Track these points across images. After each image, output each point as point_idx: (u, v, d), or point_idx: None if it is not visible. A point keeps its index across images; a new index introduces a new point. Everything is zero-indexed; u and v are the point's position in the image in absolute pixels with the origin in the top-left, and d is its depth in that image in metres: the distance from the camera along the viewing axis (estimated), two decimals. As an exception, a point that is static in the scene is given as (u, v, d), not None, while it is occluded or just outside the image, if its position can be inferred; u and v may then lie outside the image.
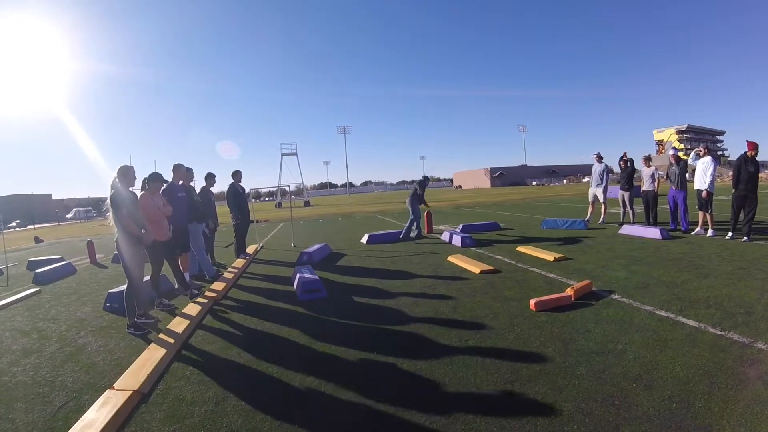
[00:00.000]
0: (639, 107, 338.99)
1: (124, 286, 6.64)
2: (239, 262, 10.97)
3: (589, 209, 15.63)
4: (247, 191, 12.39)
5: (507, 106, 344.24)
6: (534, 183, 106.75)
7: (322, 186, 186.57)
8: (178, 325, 6.24)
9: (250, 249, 13.10)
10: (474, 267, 8.75)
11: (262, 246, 14.91)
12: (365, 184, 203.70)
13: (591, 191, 15.38)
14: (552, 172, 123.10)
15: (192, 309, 7.03)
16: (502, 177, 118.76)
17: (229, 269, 10.33)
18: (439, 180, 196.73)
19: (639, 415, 3.37)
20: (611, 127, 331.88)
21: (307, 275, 8.09)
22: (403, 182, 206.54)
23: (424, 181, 14.63)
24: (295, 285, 8.16)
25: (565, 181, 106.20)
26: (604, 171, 14.83)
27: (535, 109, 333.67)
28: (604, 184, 14.80)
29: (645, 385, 3.79)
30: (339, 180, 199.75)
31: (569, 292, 6.37)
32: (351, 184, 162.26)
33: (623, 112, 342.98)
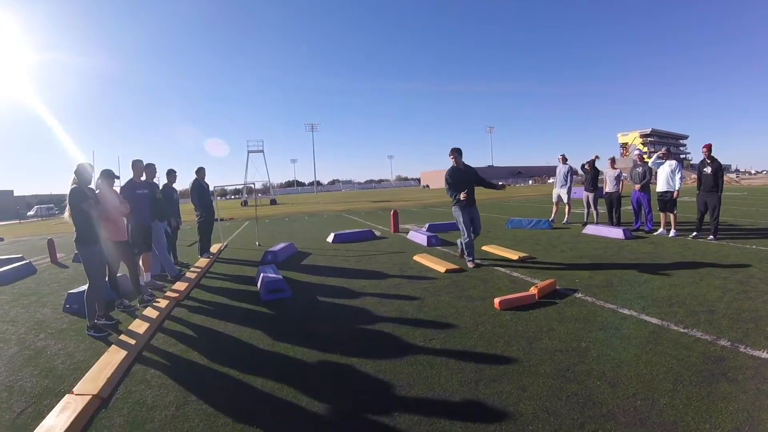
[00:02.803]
0: (604, 110, 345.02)
1: (85, 287, 6.51)
2: (202, 262, 10.84)
3: (554, 209, 15.88)
4: (211, 188, 12.25)
5: (475, 107, 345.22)
6: (500, 183, 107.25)
7: (289, 184, 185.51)
8: (139, 326, 6.12)
9: (214, 248, 12.92)
10: (439, 266, 8.79)
11: (227, 245, 14.68)
12: (333, 182, 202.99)
13: (555, 192, 15.64)
14: (518, 173, 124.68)
15: (152, 310, 6.89)
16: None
17: (191, 269, 10.17)
18: (406, 179, 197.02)
19: (604, 413, 3.41)
20: (576, 130, 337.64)
21: (270, 275, 8.03)
22: (371, 181, 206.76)
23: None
24: (258, 285, 8.06)
25: (530, 182, 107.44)
26: (568, 172, 15.09)
27: (501, 110, 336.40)
28: (568, 185, 15.05)
29: (609, 383, 3.84)
30: (306, 178, 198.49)
31: (533, 290, 6.45)
32: (318, 183, 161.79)
33: (588, 116, 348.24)
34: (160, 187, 10.06)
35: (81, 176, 6.34)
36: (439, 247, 11.46)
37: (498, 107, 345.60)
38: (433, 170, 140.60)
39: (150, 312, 6.81)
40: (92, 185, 6.69)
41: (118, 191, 7.94)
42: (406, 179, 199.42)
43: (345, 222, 21.77)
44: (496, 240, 12.07)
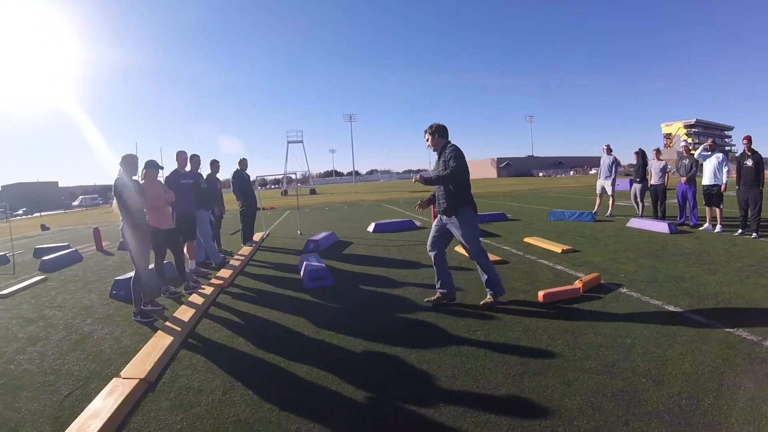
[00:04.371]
0: (647, 100, 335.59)
1: (131, 274, 6.63)
2: (245, 250, 11.00)
3: (597, 201, 15.33)
4: (252, 179, 12.37)
5: (514, 96, 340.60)
6: (541, 174, 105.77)
7: (328, 174, 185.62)
8: (185, 313, 6.22)
9: (257, 236, 13.07)
10: (480, 257, 8.63)
11: (269, 233, 14.91)
12: (371, 172, 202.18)
13: (599, 183, 15.17)
14: (559, 164, 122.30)
15: (198, 297, 7.01)
16: (509, 167, 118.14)
17: (235, 256, 10.34)
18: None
19: (648, 410, 3.31)
20: (619, 120, 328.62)
21: (313, 263, 8.06)
22: (409, 171, 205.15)
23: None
24: (301, 273, 8.11)
25: (572, 172, 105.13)
26: (613, 163, 14.62)
27: (543, 100, 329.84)
28: (612, 176, 14.59)
29: (654, 381, 3.73)
30: (344, 168, 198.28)
31: (578, 284, 6.30)
32: (357, 173, 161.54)
33: (631, 105, 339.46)
34: (204, 177, 10.20)
35: (127, 167, 6.45)
36: (480, 239, 11.11)
37: (538, 96, 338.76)
38: (472, 160, 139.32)
39: (195, 298, 6.93)
40: (137, 176, 6.80)
41: (163, 181, 8.08)
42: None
43: (384, 212, 21.86)
44: (538, 232, 11.88)
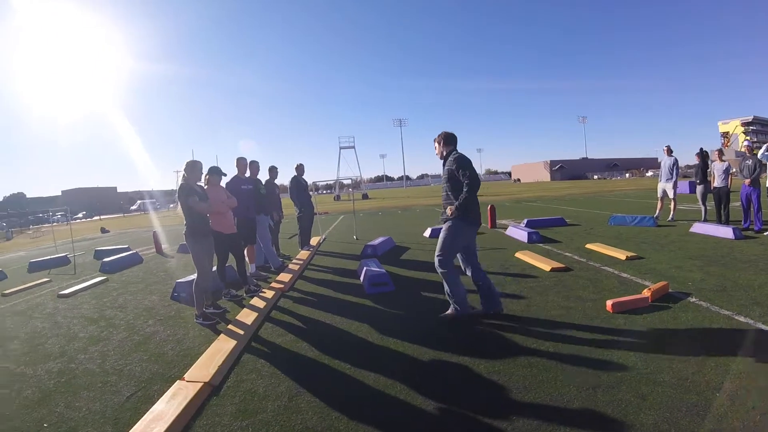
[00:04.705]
0: (703, 96, 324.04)
1: (192, 276, 6.72)
2: (304, 254, 11.02)
3: (658, 205, 14.72)
4: (309, 184, 12.43)
5: (566, 96, 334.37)
6: (595, 177, 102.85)
7: (379, 179, 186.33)
8: (247, 316, 6.24)
9: (314, 240, 13.13)
10: (544, 264, 8.45)
11: (325, 238, 14.96)
12: (421, 176, 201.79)
13: (660, 186, 14.48)
14: (613, 166, 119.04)
15: (259, 300, 7.04)
16: (562, 170, 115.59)
17: (294, 260, 10.39)
18: (496, 173, 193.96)
19: (725, 427, 3.11)
20: (674, 118, 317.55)
21: (374, 268, 8.00)
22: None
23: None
24: (361, 278, 8.08)
25: (627, 174, 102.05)
26: (673, 165, 13.97)
27: (595, 99, 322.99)
28: (674, 179, 13.94)
29: (728, 395, 3.50)
30: (395, 173, 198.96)
31: (646, 293, 6.02)
32: (407, 177, 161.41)
33: (686, 102, 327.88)
34: (263, 183, 10.27)
35: (191, 173, 6.54)
36: (540, 244, 11.03)
37: (590, 96, 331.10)
38: (524, 163, 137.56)
39: (257, 302, 6.95)
40: (201, 182, 6.92)
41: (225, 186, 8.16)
42: (495, 173, 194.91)
43: (438, 216, 21.31)
44: (600, 238, 11.50)
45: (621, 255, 8.99)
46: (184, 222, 6.47)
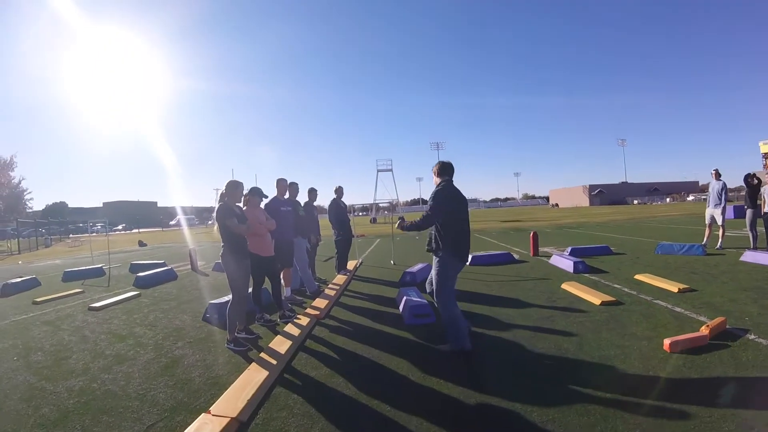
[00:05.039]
0: (743, 117, 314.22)
1: (226, 298, 6.49)
2: (340, 279, 10.73)
3: (706, 232, 14.05)
4: (347, 206, 12.15)
5: (604, 118, 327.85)
6: (635, 201, 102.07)
7: (415, 202, 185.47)
8: (280, 344, 5.92)
9: (350, 265, 12.81)
10: (593, 297, 7.96)
11: (362, 262, 14.58)
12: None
13: (708, 212, 13.87)
14: (654, 190, 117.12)
15: (294, 328, 6.73)
16: (602, 195, 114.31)
17: (330, 285, 10.08)
18: (533, 197, 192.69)
19: None
20: (712, 139, 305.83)
21: (414, 298, 7.61)
22: (497, 199, 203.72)
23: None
24: (401, 307, 7.69)
25: (668, 199, 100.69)
26: (722, 189, 13.32)
27: (635, 121, 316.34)
28: (723, 204, 13.30)
29: None
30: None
31: (704, 331, 5.57)
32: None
33: (726, 122, 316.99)
34: (302, 205, 10.08)
35: (232, 193, 6.36)
36: (586, 275, 10.49)
37: (630, 118, 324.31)
38: (563, 187, 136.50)
39: (291, 329, 6.64)
40: (240, 202, 6.74)
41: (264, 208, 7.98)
42: (533, 197, 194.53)
43: (477, 242, 20.97)
44: (648, 268, 10.90)
45: (673, 287, 8.49)
46: (222, 243, 6.25)
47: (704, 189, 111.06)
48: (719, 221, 13.40)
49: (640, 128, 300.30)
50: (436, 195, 5.71)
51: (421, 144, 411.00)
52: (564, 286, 9.12)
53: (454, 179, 5.97)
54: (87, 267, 16.09)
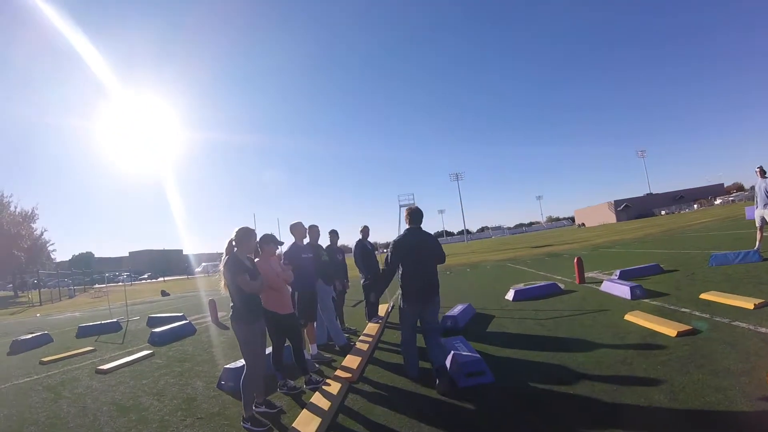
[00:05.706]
0: (763, 110, 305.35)
1: (242, 361, 5.44)
2: (372, 328, 9.57)
3: (758, 236, 12.99)
4: (374, 245, 11.18)
5: (621, 127, 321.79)
6: (663, 212, 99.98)
7: (438, 235, 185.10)
8: (308, 423, 4.81)
9: (381, 309, 11.58)
10: (665, 328, 6.88)
11: (393, 305, 12.81)
12: (482, 230, 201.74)
13: (758, 213, 12.92)
14: (680, 198, 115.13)
15: (322, 399, 5.59)
16: (628, 209, 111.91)
17: (361, 337, 8.89)
18: (558, 219, 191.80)
19: None
20: (734, 138, 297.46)
21: (464, 353, 6.40)
22: (521, 225, 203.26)
23: None
24: (449, 364, 6.41)
25: (695, 206, 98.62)
26: None
27: (654, 130, 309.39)
28: None
29: None
30: (453, 228, 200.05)
31: None
32: (467, 231, 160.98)
33: (742, 120, 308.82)
34: (324, 248, 9.20)
35: (244, 243, 5.44)
36: (646, 300, 9.31)
37: (648, 126, 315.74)
38: (588, 206, 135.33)
39: (319, 400, 5.54)
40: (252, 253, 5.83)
41: (282, 256, 7.26)
42: (557, 219, 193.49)
43: (514, 273, 19.40)
44: (709, 284, 9.80)
45: (747, 304, 7.58)
46: (230, 302, 5.30)
47: (729, 191, 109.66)
48: None
49: (658, 137, 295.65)
50: (394, 246, 6.37)
51: (441, 175, 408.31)
52: (628, 317, 8.01)
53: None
54: (102, 322, 15.62)
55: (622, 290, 10.20)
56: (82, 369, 9.06)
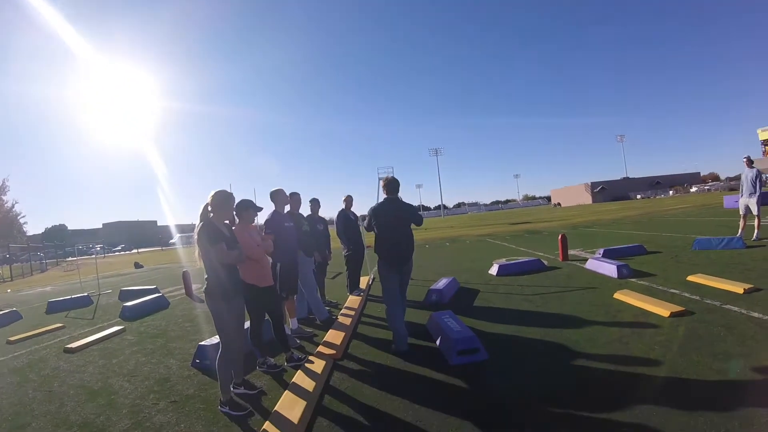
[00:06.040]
0: (739, 104, 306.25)
1: (218, 339, 4.99)
2: (353, 301, 9.24)
3: (741, 223, 13.16)
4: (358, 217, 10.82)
5: (601, 115, 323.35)
6: (639, 196, 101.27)
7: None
8: (291, 406, 4.46)
9: (362, 281, 11.21)
10: (658, 308, 6.75)
11: (374, 278, 12.54)
12: (458, 205, 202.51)
13: (742, 202, 13.17)
14: (656, 184, 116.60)
15: (306, 378, 5.23)
16: (604, 192, 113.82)
17: (343, 310, 8.53)
18: (534, 198, 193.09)
19: None
20: (712, 128, 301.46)
21: (456, 327, 6.06)
22: (497, 202, 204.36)
23: None
24: (438, 341, 6.18)
25: (671, 192, 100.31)
26: (756, 177, 12.71)
27: (633, 116, 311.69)
28: (758, 193, 12.61)
29: None
30: (430, 203, 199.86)
31: None
32: (444, 207, 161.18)
33: (721, 110, 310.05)
34: (305, 218, 8.75)
35: (221, 208, 4.90)
36: (633, 280, 9.17)
37: (627, 113, 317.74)
38: (564, 186, 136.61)
39: (302, 379, 5.20)
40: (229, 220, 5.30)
41: (264, 225, 6.85)
42: (533, 198, 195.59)
43: (494, 248, 19.29)
44: (695, 267, 9.74)
45: (736, 288, 7.54)
46: (205, 274, 4.79)
47: (705, 180, 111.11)
48: (754, 211, 12.81)
49: (638, 122, 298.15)
50: (370, 211, 6.59)
51: (420, 150, 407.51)
52: (617, 295, 7.86)
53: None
54: (73, 296, 14.98)
55: (609, 269, 10.09)
56: (50, 348, 8.62)
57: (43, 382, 6.49)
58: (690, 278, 8.62)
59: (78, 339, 8.81)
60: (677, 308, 6.62)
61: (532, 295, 8.88)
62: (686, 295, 7.56)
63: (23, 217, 72.69)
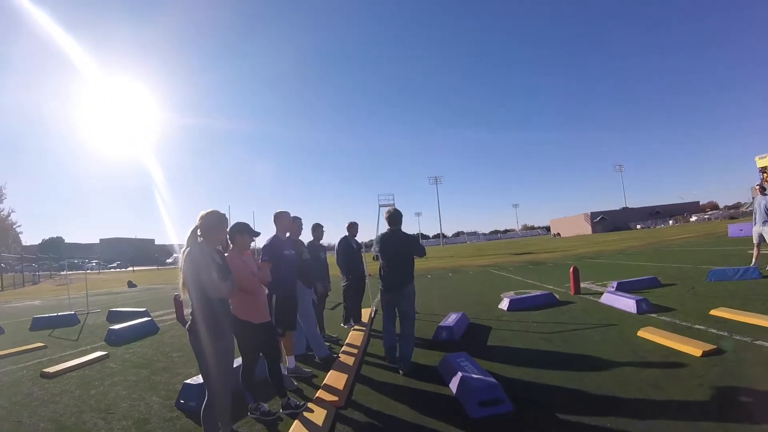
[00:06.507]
0: (735, 133, 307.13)
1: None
2: (356, 337, 8.50)
3: (754, 252, 12.88)
4: (361, 244, 10.22)
5: (600, 145, 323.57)
6: (639, 226, 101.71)
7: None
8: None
9: (364, 314, 10.44)
10: (688, 347, 6.27)
11: (377, 310, 11.57)
12: (457, 234, 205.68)
13: (756, 230, 12.72)
14: (656, 213, 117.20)
15: (302, 429, 4.57)
16: (604, 222, 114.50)
17: (344, 347, 7.86)
18: (533, 228, 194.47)
19: None
20: (709, 159, 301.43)
21: (475, 375, 5.33)
22: (496, 231, 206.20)
23: None
24: (454, 386, 5.45)
25: (671, 221, 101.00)
26: None
27: (632, 145, 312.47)
28: None
29: None
30: (430, 231, 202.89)
31: None
32: (443, 235, 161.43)
33: (717, 138, 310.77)
34: (306, 245, 8.16)
35: (210, 231, 4.27)
36: (653, 315, 8.60)
37: (627, 142, 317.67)
38: (564, 216, 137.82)
39: (299, 429, 4.53)
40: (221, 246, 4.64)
41: (261, 251, 6.27)
42: (532, 228, 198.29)
43: (499, 280, 18.52)
44: (716, 300, 9.26)
45: (765, 322, 7.15)
46: (189, 309, 4.15)
47: (705, 209, 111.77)
48: None
49: (637, 152, 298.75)
50: (376, 238, 7.24)
51: (420, 179, 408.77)
52: (642, 333, 7.31)
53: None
54: (59, 314, 14.65)
55: (627, 303, 9.49)
56: (27, 370, 8.22)
57: (13, 409, 6.11)
58: (713, 312, 8.21)
59: (57, 362, 8.46)
60: (709, 346, 6.21)
61: (550, 333, 8.23)
62: (713, 331, 7.14)
63: (19, 226, 73.20)
